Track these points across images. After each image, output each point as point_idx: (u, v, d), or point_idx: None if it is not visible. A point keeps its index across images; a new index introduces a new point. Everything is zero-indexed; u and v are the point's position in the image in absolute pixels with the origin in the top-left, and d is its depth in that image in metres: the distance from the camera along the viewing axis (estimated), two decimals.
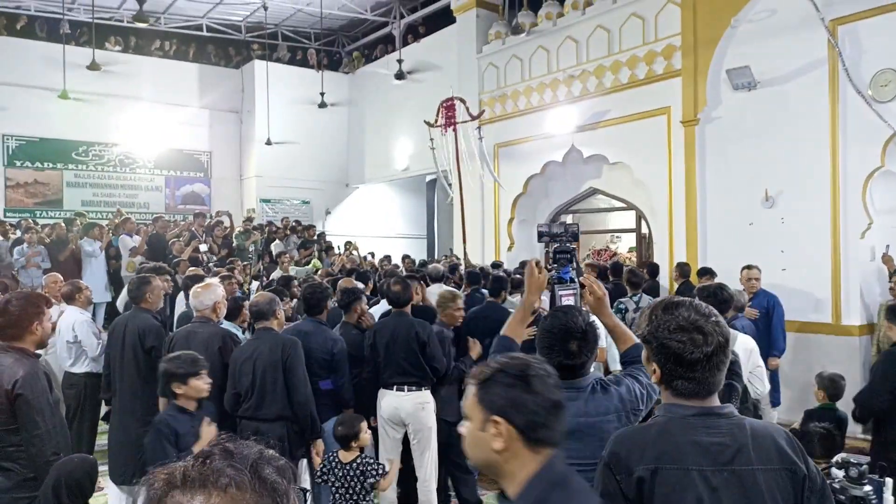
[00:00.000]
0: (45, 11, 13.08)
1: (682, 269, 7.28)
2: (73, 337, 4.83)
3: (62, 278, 5.92)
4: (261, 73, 14.47)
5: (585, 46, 9.50)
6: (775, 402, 5.92)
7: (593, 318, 2.14)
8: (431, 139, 12.78)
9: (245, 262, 9.71)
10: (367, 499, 3.52)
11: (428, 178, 16.76)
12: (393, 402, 4.16)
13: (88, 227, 10.11)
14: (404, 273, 7.37)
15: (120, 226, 10.05)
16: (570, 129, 9.63)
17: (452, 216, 13.83)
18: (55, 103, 12.58)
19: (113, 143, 13.65)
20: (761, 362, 3.88)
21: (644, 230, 9.87)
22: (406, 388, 4.12)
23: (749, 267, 6.11)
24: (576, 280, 2.28)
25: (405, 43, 14.11)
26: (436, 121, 12.53)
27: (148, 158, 14.12)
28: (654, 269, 7.84)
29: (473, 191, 11.93)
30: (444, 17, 13.07)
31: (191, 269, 7.16)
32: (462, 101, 12.16)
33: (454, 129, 12.08)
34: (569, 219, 11.96)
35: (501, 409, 1.33)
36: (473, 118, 11.85)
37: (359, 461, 3.54)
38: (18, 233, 9.98)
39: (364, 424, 3.66)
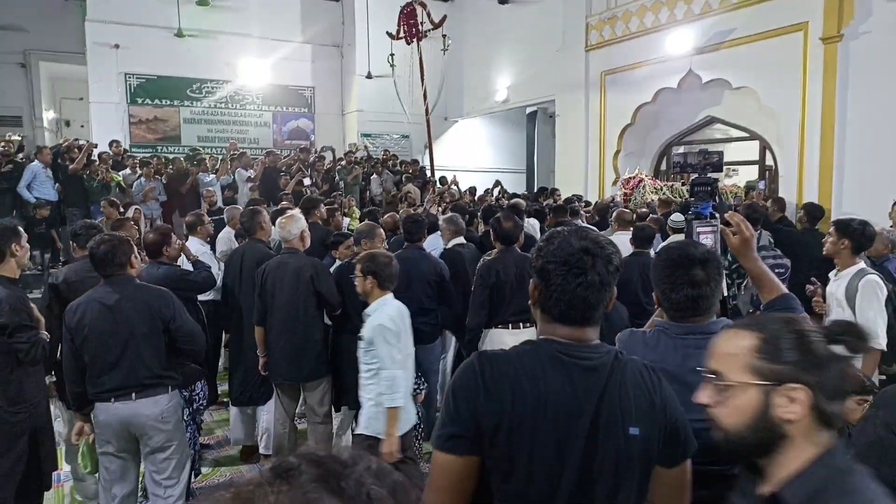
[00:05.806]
0: None
1: (813, 214, 6.25)
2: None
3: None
4: (360, 4, 14.28)
5: None
6: None
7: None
8: (391, 55, 11.86)
9: (347, 196, 9.89)
10: None
11: (528, 111, 16.22)
12: (512, 339, 4.00)
13: (203, 161, 10.65)
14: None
15: (237, 159, 10.45)
16: (687, 51, 8.84)
17: (553, 149, 13.34)
18: (171, 41, 13.10)
19: (224, 79, 14.12)
20: None
21: (769, 162, 9.05)
22: (522, 325, 3.96)
23: None
24: (717, 216, 2.02)
25: None
26: (398, 32, 11.59)
27: (256, 94, 14.53)
28: (781, 205, 7.16)
29: (576, 120, 11.38)
30: None
31: (283, 203, 7.25)
32: (423, 5, 10.92)
33: (418, 40, 10.92)
34: (681, 150, 11.21)
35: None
36: (435, 25, 10.86)
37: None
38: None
39: None
